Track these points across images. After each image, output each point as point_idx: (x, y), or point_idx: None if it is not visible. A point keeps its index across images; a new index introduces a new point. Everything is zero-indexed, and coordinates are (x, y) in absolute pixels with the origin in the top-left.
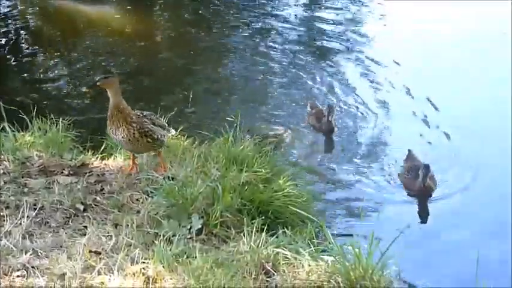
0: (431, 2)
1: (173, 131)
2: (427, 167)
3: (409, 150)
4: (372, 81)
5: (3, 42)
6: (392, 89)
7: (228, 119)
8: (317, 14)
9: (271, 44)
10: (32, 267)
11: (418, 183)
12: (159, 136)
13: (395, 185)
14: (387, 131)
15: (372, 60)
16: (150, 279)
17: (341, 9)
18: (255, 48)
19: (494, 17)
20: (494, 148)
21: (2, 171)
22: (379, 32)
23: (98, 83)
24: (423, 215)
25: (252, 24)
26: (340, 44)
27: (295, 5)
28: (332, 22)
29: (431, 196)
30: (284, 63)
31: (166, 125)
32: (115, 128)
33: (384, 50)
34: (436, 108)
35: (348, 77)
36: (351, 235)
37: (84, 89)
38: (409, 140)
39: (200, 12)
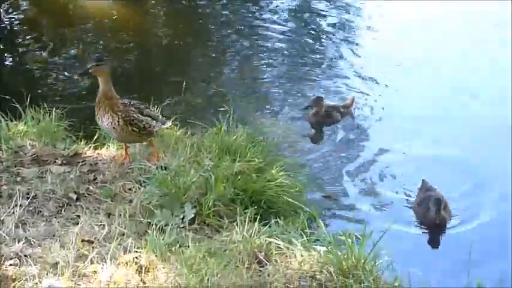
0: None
1: (169, 123)
2: (438, 201)
3: (423, 181)
4: (372, 76)
5: None
6: (393, 85)
7: (221, 109)
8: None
9: (267, 34)
10: (25, 255)
11: (430, 215)
12: (146, 126)
13: (387, 183)
14: (384, 130)
15: (376, 55)
16: (143, 268)
17: None
18: (251, 38)
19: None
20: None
21: None
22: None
23: (89, 70)
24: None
25: (250, 13)
26: (341, 34)
27: None
28: (334, 11)
29: (444, 228)
30: (281, 53)
31: (160, 116)
32: (101, 116)
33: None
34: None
35: (348, 70)
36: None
37: (76, 78)
38: (405, 142)
39: (196, 2)
